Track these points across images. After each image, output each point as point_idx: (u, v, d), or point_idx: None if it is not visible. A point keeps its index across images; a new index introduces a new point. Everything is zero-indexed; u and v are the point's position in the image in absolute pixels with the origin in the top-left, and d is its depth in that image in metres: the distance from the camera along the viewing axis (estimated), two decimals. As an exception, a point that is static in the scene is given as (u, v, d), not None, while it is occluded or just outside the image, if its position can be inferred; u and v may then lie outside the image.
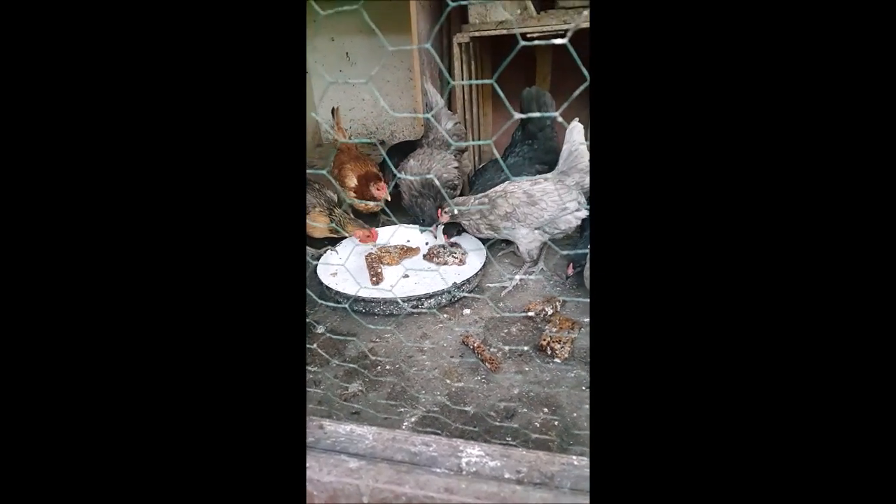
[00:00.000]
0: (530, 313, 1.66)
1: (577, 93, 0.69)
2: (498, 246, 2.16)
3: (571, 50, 0.68)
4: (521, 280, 1.89)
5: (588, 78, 0.59)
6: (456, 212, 1.83)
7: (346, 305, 1.70)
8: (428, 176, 1.99)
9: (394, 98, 2.81)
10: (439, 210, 1.91)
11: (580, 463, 0.83)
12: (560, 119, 0.67)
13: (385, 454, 0.87)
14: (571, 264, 1.74)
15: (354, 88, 2.92)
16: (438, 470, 0.83)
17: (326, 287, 1.84)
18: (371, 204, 2.22)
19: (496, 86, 0.61)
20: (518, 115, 0.66)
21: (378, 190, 2.19)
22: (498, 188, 1.79)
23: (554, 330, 1.55)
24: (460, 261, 2.01)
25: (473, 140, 2.47)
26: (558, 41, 0.62)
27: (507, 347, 1.58)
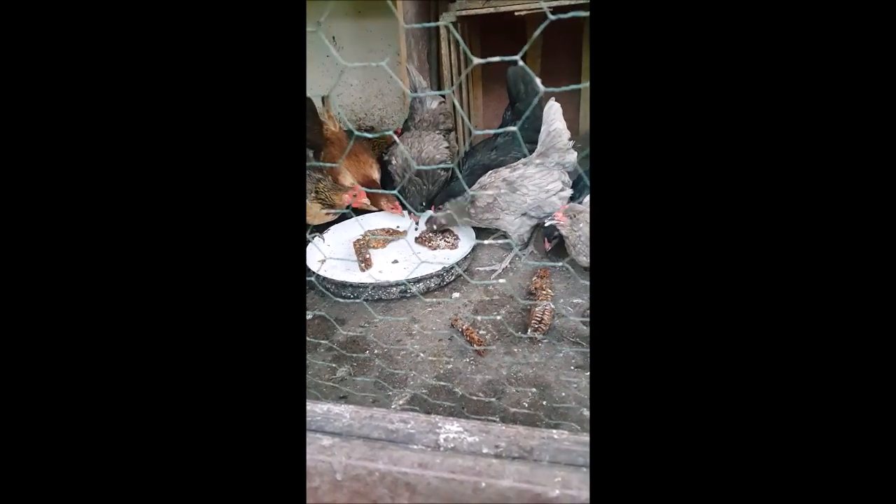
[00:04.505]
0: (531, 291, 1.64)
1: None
2: (488, 230, 2.14)
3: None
4: (510, 264, 1.86)
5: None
6: (449, 211, 1.83)
7: (313, 279, 1.69)
8: (418, 167, 1.95)
9: (382, 82, 2.78)
10: (433, 208, 1.90)
11: (560, 436, 0.82)
12: (532, 72, 0.64)
13: (362, 432, 0.85)
14: (546, 239, 1.71)
15: (344, 73, 2.88)
16: (415, 446, 0.81)
17: (316, 274, 1.82)
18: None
19: (451, 27, 0.59)
20: (477, 61, 0.63)
21: (392, 208, 2.07)
22: (480, 181, 1.76)
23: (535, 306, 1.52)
24: (452, 245, 1.98)
25: (467, 119, 2.43)
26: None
27: (477, 317, 1.57)
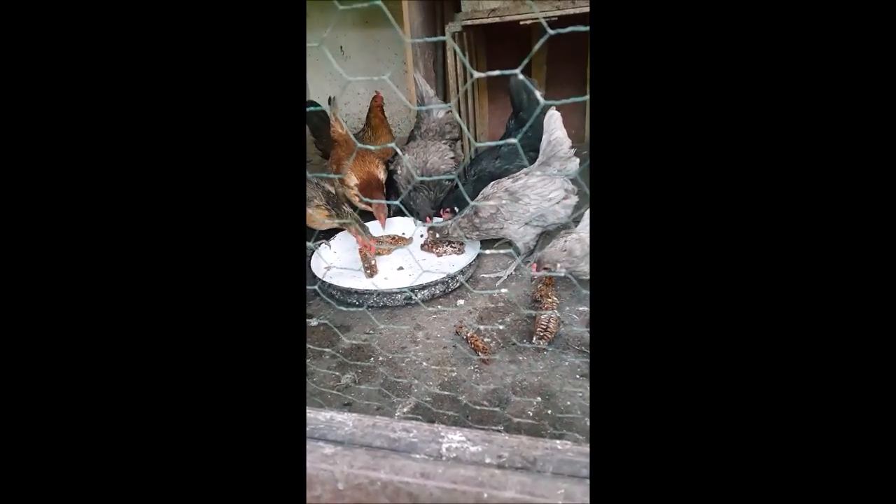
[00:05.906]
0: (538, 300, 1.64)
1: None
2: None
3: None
4: (514, 271, 1.86)
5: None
6: (446, 228, 1.85)
7: (316, 287, 1.69)
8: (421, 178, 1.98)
9: (388, 91, 2.79)
10: (429, 231, 1.93)
11: (563, 447, 0.81)
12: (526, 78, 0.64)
13: (364, 440, 0.85)
14: (535, 264, 1.60)
15: (349, 84, 2.90)
16: (417, 455, 0.81)
17: (321, 281, 1.83)
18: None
19: (456, 47, 0.59)
20: (478, 74, 0.64)
21: (379, 216, 2.07)
22: (483, 192, 1.77)
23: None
24: (458, 250, 1.98)
25: (468, 132, 2.44)
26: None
27: (480, 326, 1.56)
